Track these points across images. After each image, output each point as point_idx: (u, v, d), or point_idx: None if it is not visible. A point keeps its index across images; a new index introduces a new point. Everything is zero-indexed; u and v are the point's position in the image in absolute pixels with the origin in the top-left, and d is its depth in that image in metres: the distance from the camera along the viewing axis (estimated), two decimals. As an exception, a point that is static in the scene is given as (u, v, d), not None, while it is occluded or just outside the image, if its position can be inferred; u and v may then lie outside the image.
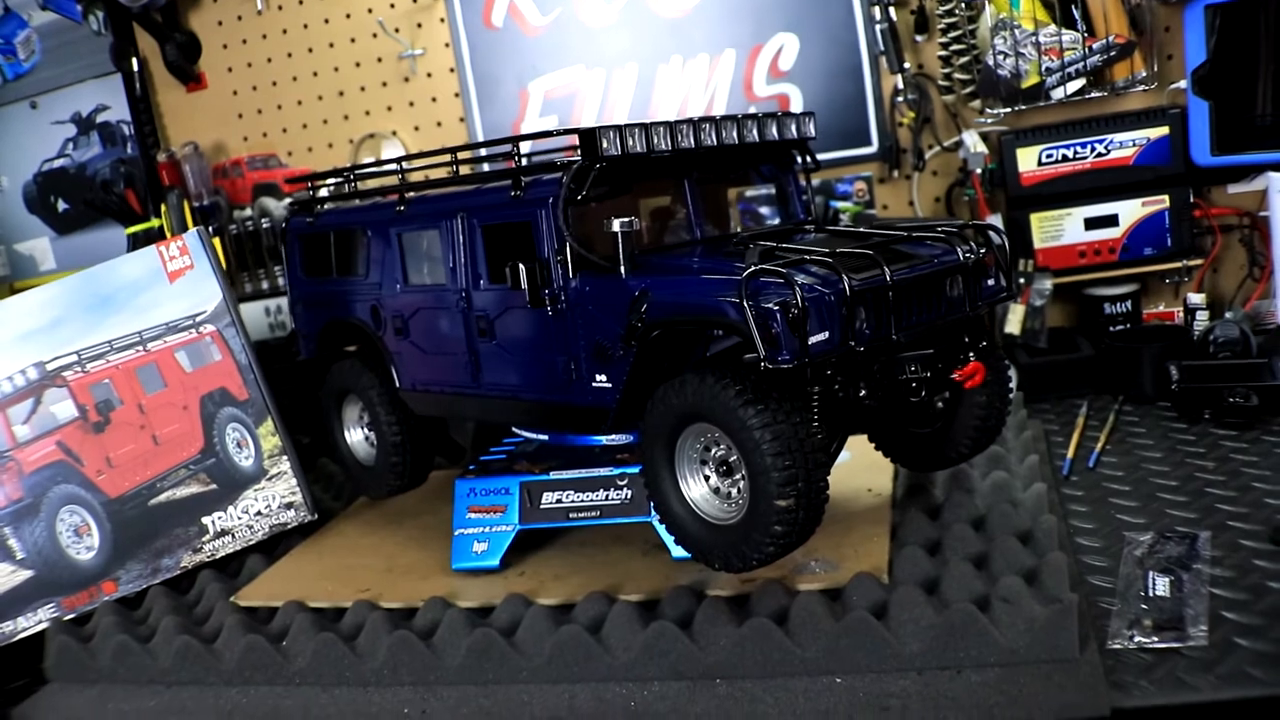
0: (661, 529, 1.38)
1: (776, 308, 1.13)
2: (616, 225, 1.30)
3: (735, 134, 1.41)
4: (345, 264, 1.68)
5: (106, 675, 1.53)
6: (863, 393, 1.27)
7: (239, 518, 1.73)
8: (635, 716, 1.22)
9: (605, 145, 1.31)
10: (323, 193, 1.75)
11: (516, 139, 1.41)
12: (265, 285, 2.43)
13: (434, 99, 2.40)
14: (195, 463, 1.72)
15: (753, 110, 2.25)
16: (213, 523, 1.72)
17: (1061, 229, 2.10)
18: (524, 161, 1.41)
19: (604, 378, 1.34)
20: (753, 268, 1.17)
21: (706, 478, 1.28)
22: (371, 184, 1.70)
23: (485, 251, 1.43)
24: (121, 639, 1.52)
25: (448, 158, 1.53)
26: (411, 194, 1.55)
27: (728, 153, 1.43)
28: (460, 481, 1.54)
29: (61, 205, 2.81)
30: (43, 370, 1.67)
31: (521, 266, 1.33)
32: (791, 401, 1.18)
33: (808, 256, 1.23)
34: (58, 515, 1.66)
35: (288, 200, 2.32)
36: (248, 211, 2.48)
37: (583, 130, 1.31)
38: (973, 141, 2.10)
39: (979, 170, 2.10)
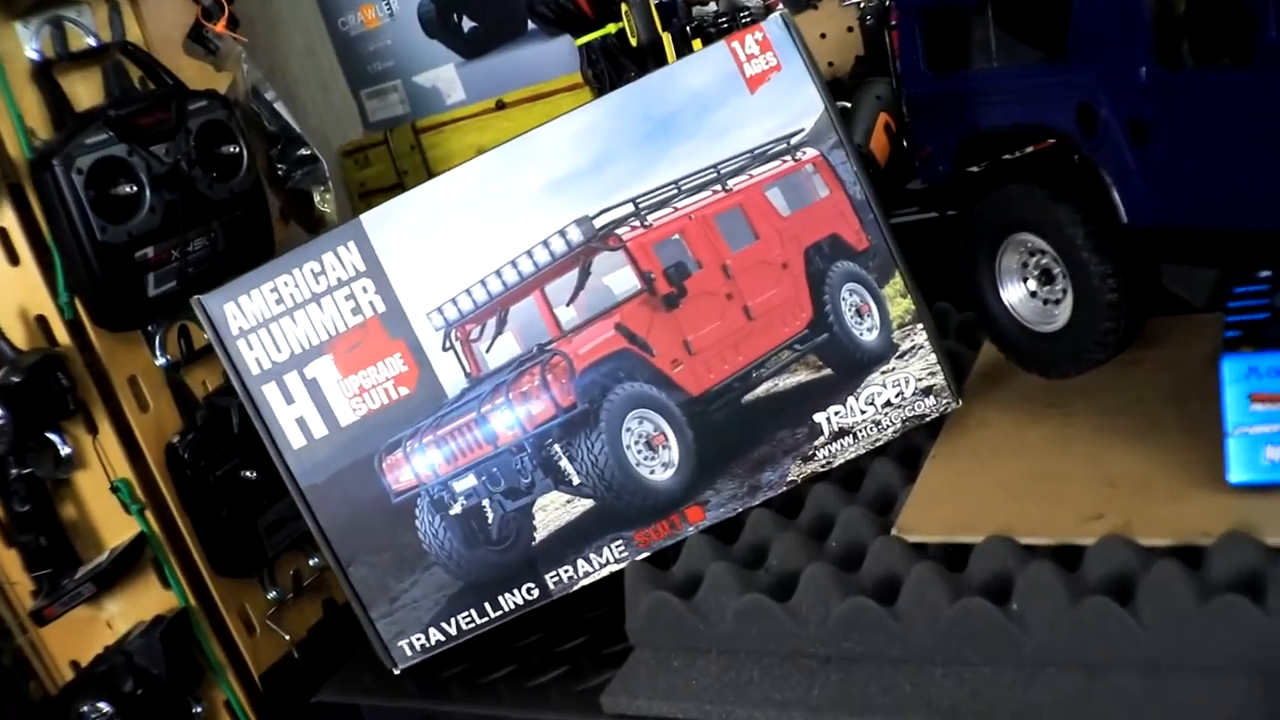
0: None
1: None
2: None
3: None
4: (1016, 46, 1.15)
5: (723, 644, 1.16)
6: None
7: (862, 411, 1.26)
8: None
9: None
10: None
11: None
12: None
13: None
14: (802, 340, 1.26)
15: None
16: (827, 420, 1.26)
17: None
18: None
19: None
20: None
21: None
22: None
23: None
24: (751, 598, 1.13)
25: None
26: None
27: None
28: (1231, 359, 1.01)
29: (467, 24, 2.38)
30: (588, 228, 1.23)
31: None
32: None
33: None
34: (623, 424, 1.24)
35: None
36: (711, 6, 1.99)
37: None
38: None
39: None
